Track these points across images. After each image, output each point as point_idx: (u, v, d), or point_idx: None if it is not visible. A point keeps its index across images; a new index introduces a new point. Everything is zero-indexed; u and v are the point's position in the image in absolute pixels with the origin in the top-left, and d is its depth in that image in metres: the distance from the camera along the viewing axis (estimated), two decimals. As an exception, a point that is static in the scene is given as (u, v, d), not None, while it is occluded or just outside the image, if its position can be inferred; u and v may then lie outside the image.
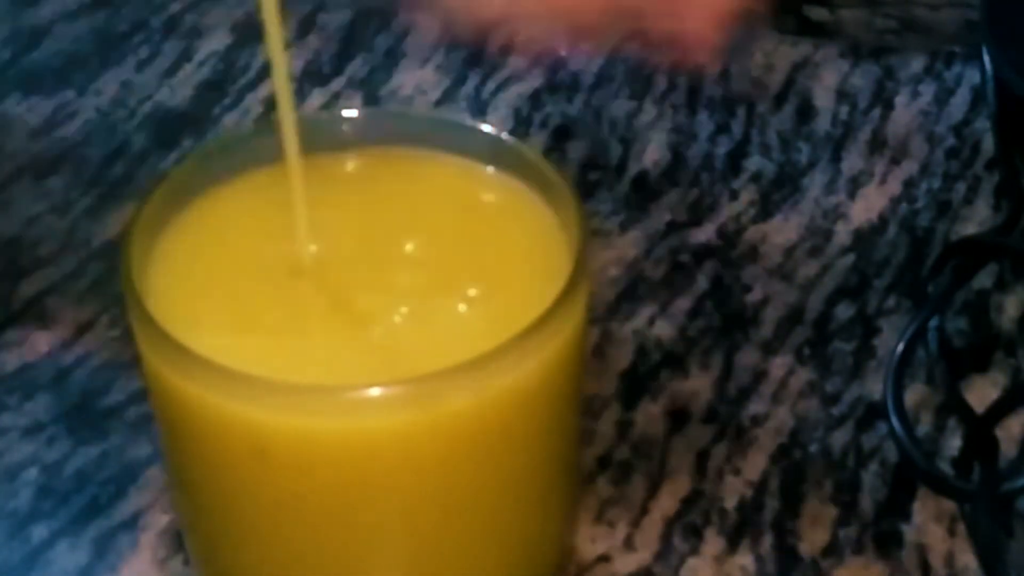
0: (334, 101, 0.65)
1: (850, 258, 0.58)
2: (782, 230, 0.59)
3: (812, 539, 0.49)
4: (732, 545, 0.49)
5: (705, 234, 0.59)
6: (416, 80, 0.66)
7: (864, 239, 0.58)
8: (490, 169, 0.45)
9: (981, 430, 0.51)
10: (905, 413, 0.51)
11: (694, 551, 0.49)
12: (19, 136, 0.64)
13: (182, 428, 0.42)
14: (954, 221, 0.59)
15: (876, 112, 0.64)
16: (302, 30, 0.68)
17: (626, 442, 0.52)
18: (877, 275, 0.57)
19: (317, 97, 0.65)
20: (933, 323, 0.54)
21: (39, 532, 0.50)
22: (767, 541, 0.49)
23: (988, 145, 0.62)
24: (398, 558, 0.43)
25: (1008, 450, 0.51)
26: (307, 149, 0.43)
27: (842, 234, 0.59)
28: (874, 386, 0.53)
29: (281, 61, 0.41)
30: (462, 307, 0.42)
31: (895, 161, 0.62)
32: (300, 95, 0.65)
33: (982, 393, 0.53)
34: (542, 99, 0.65)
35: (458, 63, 0.66)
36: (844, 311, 0.56)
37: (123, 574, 0.49)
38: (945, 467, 0.51)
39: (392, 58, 0.67)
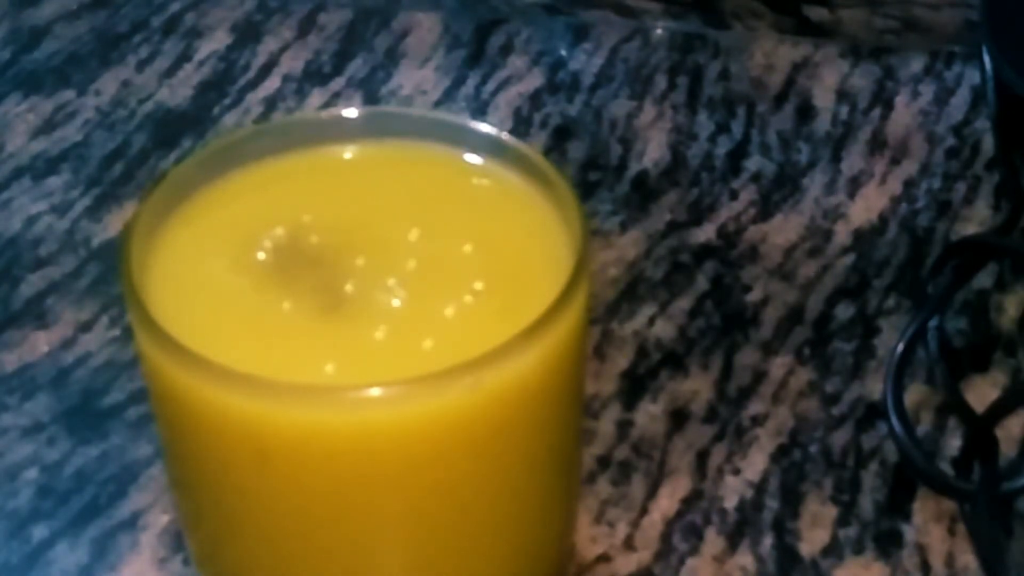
0: (334, 101, 0.65)
1: (850, 258, 0.58)
2: (782, 230, 0.59)
3: (812, 539, 0.49)
4: (732, 545, 0.49)
5: (705, 234, 0.59)
6: (416, 80, 0.66)
7: (864, 239, 0.58)
8: (491, 168, 0.45)
9: (981, 430, 0.51)
10: (905, 413, 0.51)
11: (694, 551, 0.49)
12: (19, 136, 0.64)
13: (182, 428, 0.42)
14: (954, 221, 0.59)
15: (876, 112, 0.64)
16: (302, 30, 0.68)
17: (626, 442, 0.52)
18: (877, 275, 0.57)
19: (317, 97, 0.65)
20: (933, 323, 0.54)
21: (39, 532, 0.50)
22: (767, 541, 0.49)
23: (988, 145, 0.62)
24: (398, 557, 0.43)
25: (1008, 450, 0.51)
26: (308, 145, 0.43)
27: (842, 234, 0.59)
28: (874, 386, 0.53)
29: None
30: (463, 305, 0.42)
31: (895, 161, 0.62)
32: (300, 95, 0.65)
33: (982, 393, 0.53)
34: (542, 99, 0.65)
35: (458, 63, 0.66)
36: (844, 311, 0.56)
37: (123, 574, 0.49)
38: (945, 467, 0.51)
39: (392, 58, 0.67)
